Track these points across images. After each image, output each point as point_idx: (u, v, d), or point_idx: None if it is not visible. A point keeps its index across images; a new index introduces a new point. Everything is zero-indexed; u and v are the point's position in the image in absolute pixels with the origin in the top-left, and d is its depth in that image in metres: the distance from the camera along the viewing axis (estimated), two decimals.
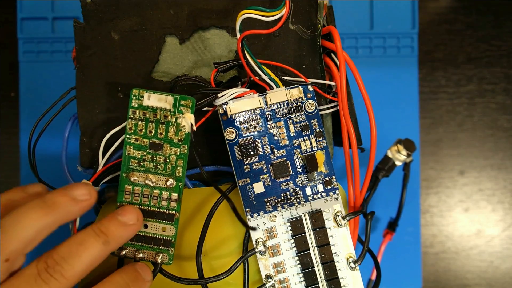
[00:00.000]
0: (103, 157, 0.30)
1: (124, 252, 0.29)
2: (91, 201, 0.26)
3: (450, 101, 0.54)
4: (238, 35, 0.28)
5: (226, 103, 0.29)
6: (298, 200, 0.30)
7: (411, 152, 0.40)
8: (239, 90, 0.29)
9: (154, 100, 0.28)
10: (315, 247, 0.30)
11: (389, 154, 0.40)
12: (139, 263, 0.28)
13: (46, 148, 0.41)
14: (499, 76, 0.54)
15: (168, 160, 0.28)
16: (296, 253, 0.30)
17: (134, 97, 0.28)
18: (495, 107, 0.54)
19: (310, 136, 0.30)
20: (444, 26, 0.55)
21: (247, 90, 0.29)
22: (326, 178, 0.30)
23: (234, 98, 0.29)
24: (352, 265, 0.30)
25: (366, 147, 0.32)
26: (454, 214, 0.53)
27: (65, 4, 0.52)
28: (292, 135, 0.30)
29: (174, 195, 0.28)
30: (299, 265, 0.30)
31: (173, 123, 0.28)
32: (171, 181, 0.28)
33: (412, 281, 0.52)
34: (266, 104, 0.29)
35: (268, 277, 0.29)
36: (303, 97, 0.30)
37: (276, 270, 0.30)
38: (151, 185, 0.28)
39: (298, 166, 0.30)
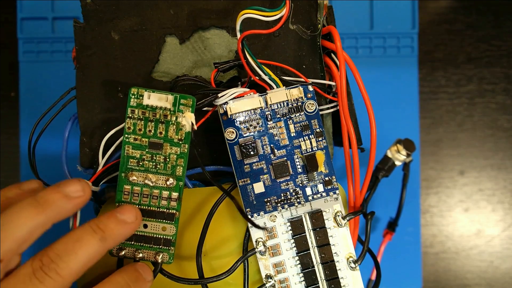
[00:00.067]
0: (103, 157, 0.30)
1: (123, 253, 0.28)
2: (85, 197, 0.25)
3: (450, 101, 0.54)
4: (238, 35, 0.28)
5: (226, 103, 0.29)
6: (298, 200, 0.30)
7: (411, 152, 0.40)
8: (239, 90, 0.29)
9: (154, 99, 0.28)
10: (315, 247, 0.30)
11: (389, 154, 0.40)
12: (139, 263, 0.28)
13: (46, 148, 0.41)
14: (499, 76, 0.54)
15: (168, 160, 0.28)
16: (296, 253, 0.30)
17: (133, 96, 0.28)
18: (495, 107, 0.54)
19: (310, 136, 0.30)
20: (444, 26, 0.55)
21: (247, 90, 0.29)
22: (326, 178, 0.30)
23: (234, 98, 0.29)
24: (352, 265, 0.30)
25: (366, 147, 0.32)
26: (454, 214, 0.53)
27: (65, 4, 0.52)
28: (292, 135, 0.30)
29: (174, 195, 0.28)
30: (299, 265, 0.30)
31: (173, 122, 0.28)
32: (171, 180, 0.28)
33: (412, 281, 0.52)
34: (266, 104, 0.29)
35: (268, 277, 0.29)
36: (303, 97, 0.30)
37: (276, 270, 0.30)
38: (151, 184, 0.28)
39: (298, 166, 0.30)
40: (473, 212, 0.53)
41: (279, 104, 0.30)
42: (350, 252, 0.30)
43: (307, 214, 0.30)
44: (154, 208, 0.29)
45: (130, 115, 0.28)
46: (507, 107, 0.54)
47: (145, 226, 0.29)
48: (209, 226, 0.29)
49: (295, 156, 0.30)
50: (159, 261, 0.28)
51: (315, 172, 0.30)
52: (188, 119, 0.28)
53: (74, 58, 0.32)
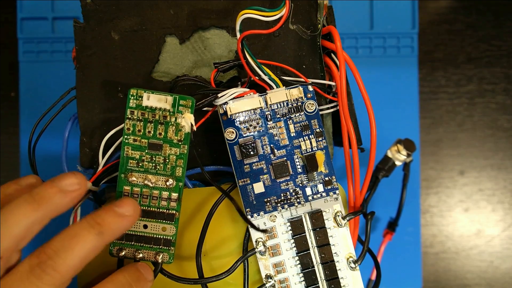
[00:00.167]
0: (103, 157, 0.30)
1: (123, 253, 0.28)
2: (82, 190, 0.25)
3: (450, 101, 0.54)
4: (238, 35, 0.28)
5: (226, 103, 0.29)
6: (298, 200, 0.30)
7: (411, 152, 0.40)
8: (239, 90, 0.29)
9: (153, 100, 0.28)
10: (315, 247, 0.30)
11: (389, 154, 0.40)
12: (140, 262, 0.28)
13: (46, 148, 0.41)
14: (499, 76, 0.54)
15: (167, 160, 0.28)
16: (296, 253, 0.30)
17: (132, 97, 0.28)
18: (495, 107, 0.54)
19: (310, 136, 0.30)
20: (444, 26, 0.55)
21: (247, 90, 0.29)
22: (326, 178, 0.30)
23: (234, 98, 0.29)
24: (352, 265, 0.30)
25: (366, 147, 0.32)
26: (454, 214, 0.53)
27: (65, 4, 0.52)
28: (292, 135, 0.30)
29: (174, 195, 0.28)
30: (299, 265, 0.30)
31: (172, 123, 0.28)
32: (171, 181, 0.28)
33: (412, 281, 0.52)
34: (266, 104, 0.29)
35: (268, 277, 0.29)
36: (303, 97, 0.30)
37: (276, 270, 0.30)
38: (151, 185, 0.28)
39: (298, 166, 0.30)
40: (473, 212, 0.53)
41: (279, 104, 0.30)
42: (350, 252, 0.30)
43: (307, 214, 0.30)
44: (154, 209, 0.29)
45: (130, 116, 0.28)
46: (507, 107, 0.54)
47: (145, 226, 0.29)
48: (209, 226, 0.29)
49: (295, 156, 0.30)
50: (159, 261, 0.28)
51: (315, 172, 0.30)
52: (187, 120, 0.28)
53: (74, 58, 0.32)
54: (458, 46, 0.54)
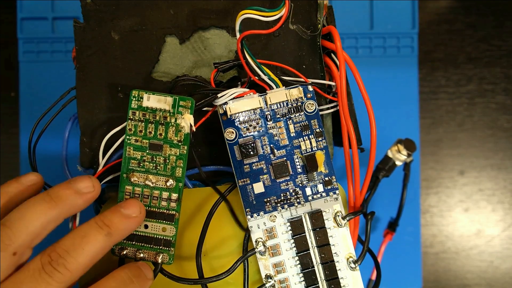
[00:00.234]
0: (103, 157, 0.30)
1: (125, 252, 0.29)
2: (95, 193, 0.27)
3: (450, 101, 0.54)
4: (238, 35, 0.28)
5: (226, 103, 0.29)
6: (298, 200, 0.30)
7: (411, 152, 0.40)
8: (239, 90, 0.29)
9: (153, 101, 0.28)
10: (315, 247, 0.30)
11: (389, 154, 0.40)
12: (140, 261, 0.28)
13: (46, 148, 0.41)
14: (499, 76, 0.54)
15: (167, 161, 0.28)
16: (296, 253, 0.30)
17: (134, 98, 0.28)
18: (495, 107, 0.54)
19: (310, 136, 0.30)
20: (444, 26, 0.55)
21: (247, 90, 0.29)
22: (326, 178, 0.30)
23: (234, 98, 0.29)
24: (352, 265, 0.30)
25: (366, 147, 0.32)
26: (454, 214, 0.53)
27: (65, 4, 0.52)
28: (292, 135, 0.30)
29: (174, 196, 0.28)
30: (299, 265, 0.30)
31: (172, 124, 0.28)
32: (171, 181, 0.28)
33: (412, 281, 0.52)
34: (266, 104, 0.29)
35: (268, 277, 0.29)
36: (303, 97, 0.30)
37: (276, 270, 0.30)
38: (151, 185, 0.28)
39: (298, 166, 0.30)
40: (473, 212, 0.53)
41: (278, 104, 0.30)
42: (350, 252, 0.30)
43: (307, 214, 0.30)
44: (154, 209, 0.29)
45: (131, 117, 0.28)
46: (507, 107, 0.54)
47: (146, 226, 0.29)
48: (209, 226, 0.29)
49: (295, 156, 0.30)
50: (159, 261, 0.28)
51: (315, 172, 0.30)
52: (187, 121, 0.28)
53: (74, 58, 0.32)
54: (458, 46, 0.54)
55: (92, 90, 0.31)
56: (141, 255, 0.29)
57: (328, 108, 0.32)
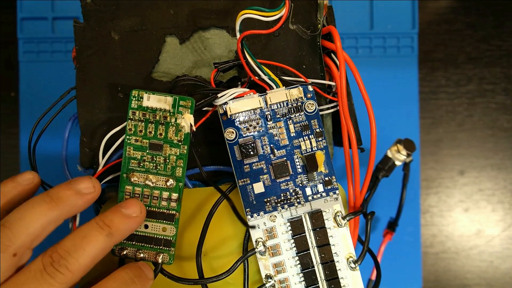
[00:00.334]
0: (103, 157, 0.30)
1: (125, 252, 0.29)
2: (95, 193, 0.27)
3: (450, 101, 0.54)
4: (238, 35, 0.28)
5: (226, 103, 0.29)
6: (298, 200, 0.30)
7: (411, 152, 0.40)
8: (239, 90, 0.29)
9: (153, 101, 0.28)
10: (315, 247, 0.30)
11: (389, 154, 0.40)
12: (141, 262, 0.28)
13: (46, 148, 0.41)
14: (499, 76, 0.54)
15: (168, 161, 0.28)
16: (296, 253, 0.30)
17: (134, 98, 0.28)
18: (495, 107, 0.54)
19: (310, 136, 0.30)
20: (444, 26, 0.55)
21: (247, 90, 0.29)
22: (326, 178, 0.30)
23: (234, 98, 0.29)
24: (352, 265, 0.30)
25: (366, 147, 0.32)
26: (454, 214, 0.53)
27: (65, 4, 0.52)
28: (292, 135, 0.30)
29: (174, 195, 0.28)
30: (299, 265, 0.30)
31: (172, 123, 0.28)
32: (171, 181, 0.28)
33: (412, 281, 0.52)
34: (266, 104, 0.29)
35: (268, 277, 0.29)
36: (303, 97, 0.30)
37: (276, 270, 0.30)
38: (151, 185, 0.28)
39: (298, 166, 0.30)
40: (473, 212, 0.53)
41: (279, 104, 0.30)
42: (350, 252, 0.30)
43: (307, 214, 0.30)
44: (154, 209, 0.29)
45: (131, 117, 0.28)
46: (507, 107, 0.54)
47: (146, 226, 0.29)
48: (209, 226, 0.29)
49: (295, 156, 0.30)
50: (159, 261, 0.28)
51: (315, 172, 0.30)
52: (187, 121, 0.28)
53: (74, 58, 0.32)
54: (458, 46, 0.54)
55: (92, 90, 0.31)
56: (141, 255, 0.29)
57: (328, 108, 0.32)
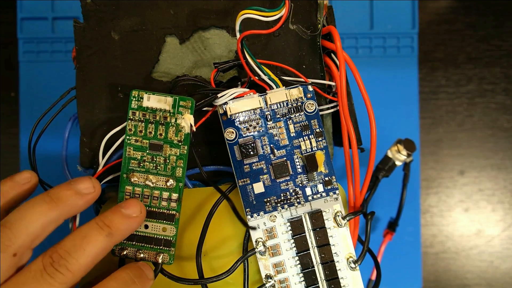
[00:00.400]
0: (103, 157, 0.30)
1: (125, 252, 0.29)
2: (95, 194, 0.27)
3: (450, 101, 0.54)
4: (238, 35, 0.28)
5: (226, 103, 0.29)
6: (298, 200, 0.30)
7: (411, 152, 0.40)
8: (239, 90, 0.29)
9: (153, 101, 0.28)
10: (315, 247, 0.30)
11: (389, 154, 0.40)
12: (141, 262, 0.28)
13: (46, 148, 0.41)
14: (499, 76, 0.54)
15: (168, 161, 0.28)
16: (296, 253, 0.30)
17: (134, 99, 0.28)
18: (495, 107, 0.54)
19: (310, 136, 0.30)
20: (444, 26, 0.55)
21: (247, 90, 0.29)
22: (326, 178, 0.30)
23: (234, 98, 0.29)
24: (352, 265, 0.30)
25: (366, 147, 0.32)
26: (454, 214, 0.53)
27: (65, 4, 0.52)
28: (292, 135, 0.30)
29: (174, 196, 0.28)
30: (299, 265, 0.30)
31: (172, 124, 0.28)
32: (171, 181, 0.28)
33: (412, 281, 0.52)
34: (266, 104, 0.29)
35: (268, 277, 0.29)
36: (303, 97, 0.30)
37: (276, 270, 0.30)
38: (151, 185, 0.28)
39: (298, 166, 0.30)
40: (473, 212, 0.53)
41: (278, 104, 0.30)
42: (350, 252, 0.30)
43: (307, 214, 0.30)
44: (154, 209, 0.29)
45: (131, 117, 0.28)
46: (507, 107, 0.54)
47: (146, 226, 0.29)
48: (209, 226, 0.29)
49: (295, 156, 0.30)
50: (160, 261, 0.28)
51: (315, 172, 0.30)
52: (187, 121, 0.28)
53: (74, 58, 0.32)
54: (458, 46, 0.54)
55: (92, 90, 0.31)
56: (142, 255, 0.29)
57: (328, 108, 0.32)
